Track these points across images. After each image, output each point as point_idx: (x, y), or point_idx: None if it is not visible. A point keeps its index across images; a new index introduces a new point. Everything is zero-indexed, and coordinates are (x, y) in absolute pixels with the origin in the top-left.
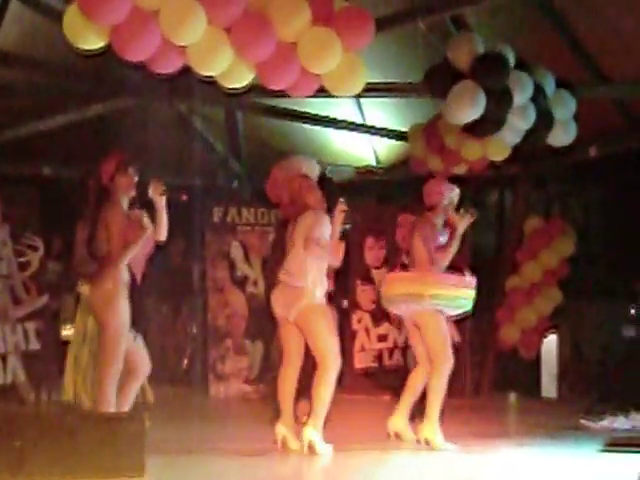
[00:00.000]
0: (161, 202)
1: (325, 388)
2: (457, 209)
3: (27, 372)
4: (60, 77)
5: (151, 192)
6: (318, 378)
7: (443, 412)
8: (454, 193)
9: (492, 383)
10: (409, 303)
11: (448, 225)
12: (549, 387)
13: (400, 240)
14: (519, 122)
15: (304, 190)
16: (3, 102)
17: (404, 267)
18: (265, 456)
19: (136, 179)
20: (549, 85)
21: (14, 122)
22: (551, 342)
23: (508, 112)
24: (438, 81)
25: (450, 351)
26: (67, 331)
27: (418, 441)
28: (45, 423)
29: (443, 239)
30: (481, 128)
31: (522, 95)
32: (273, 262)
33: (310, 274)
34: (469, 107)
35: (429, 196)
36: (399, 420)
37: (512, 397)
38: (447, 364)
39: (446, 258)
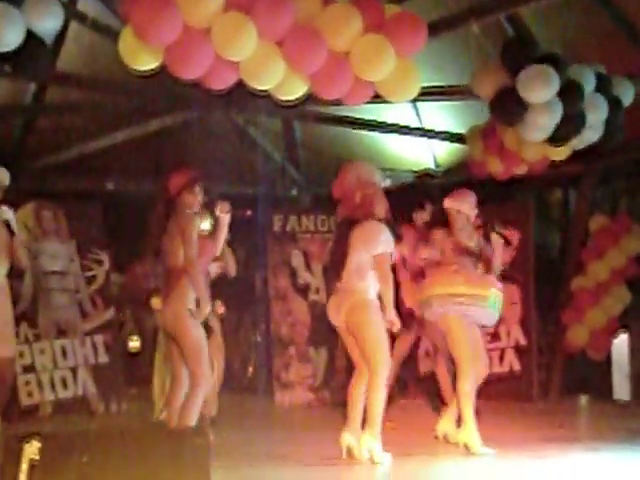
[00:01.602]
0: (224, 220)
1: (377, 393)
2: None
3: (96, 384)
4: (120, 94)
5: (218, 211)
6: (369, 384)
7: (479, 414)
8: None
9: (561, 386)
10: (425, 306)
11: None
12: (621, 389)
13: None
14: (594, 115)
15: (377, 199)
16: (66, 121)
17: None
18: (331, 465)
19: (200, 198)
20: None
21: (77, 140)
22: (622, 342)
23: (583, 105)
24: (507, 108)
25: (472, 354)
26: (134, 342)
27: (457, 445)
28: (111, 439)
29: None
30: (566, 130)
31: (588, 86)
32: (334, 263)
33: (360, 274)
34: (544, 85)
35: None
36: (446, 424)
37: (583, 400)
38: (470, 368)
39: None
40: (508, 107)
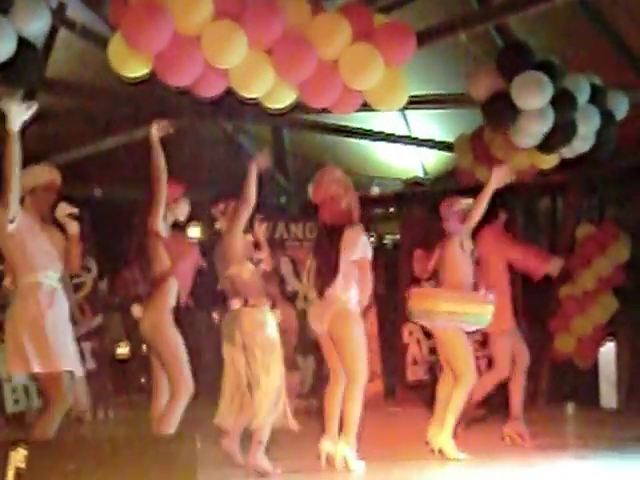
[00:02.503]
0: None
1: (355, 402)
2: None
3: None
4: (108, 101)
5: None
6: (347, 392)
7: (459, 423)
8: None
9: (548, 394)
10: (425, 319)
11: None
12: (609, 397)
13: None
14: (586, 126)
15: (356, 206)
16: (54, 127)
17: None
18: (311, 473)
19: (186, 210)
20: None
21: (65, 147)
22: (609, 350)
23: (575, 115)
24: (499, 112)
25: (473, 366)
26: (122, 349)
27: (432, 451)
28: (98, 446)
29: None
30: (557, 138)
31: (582, 96)
32: (324, 272)
33: (343, 283)
34: (537, 92)
35: None
36: (436, 432)
37: (570, 408)
38: (470, 380)
39: None
40: (500, 112)
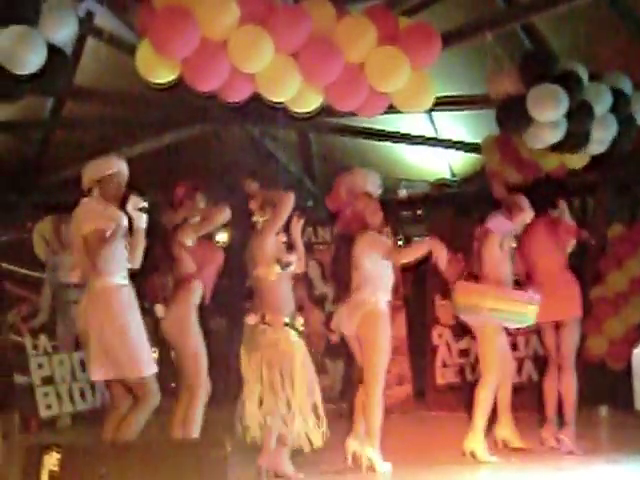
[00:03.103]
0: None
1: (374, 404)
2: None
3: None
4: (136, 108)
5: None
6: (366, 394)
7: (490, 424)
8: None
9: (581, 397)
10: (469, 314)
11: None
12: None
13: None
14: (602, 133)
15: (368, 211)
16: (83, 134)
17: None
18: (337, 477)
19: (202, 206)
20: (627, 88)
21: (95, 153)
22: None
23: (590, 126)
24: (512, 117)
25: (498, 367)
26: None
27: (463, 453)
28: (129, 450)
29: None
30: (568, 145)
31: (601, 106)
32: (340, 280)
33: (369, 286)
34: (551, 106)
35: None
36: (504, 429)
37: (603, 411)
38: (492, 380)
39: None
40: (513, 118)
